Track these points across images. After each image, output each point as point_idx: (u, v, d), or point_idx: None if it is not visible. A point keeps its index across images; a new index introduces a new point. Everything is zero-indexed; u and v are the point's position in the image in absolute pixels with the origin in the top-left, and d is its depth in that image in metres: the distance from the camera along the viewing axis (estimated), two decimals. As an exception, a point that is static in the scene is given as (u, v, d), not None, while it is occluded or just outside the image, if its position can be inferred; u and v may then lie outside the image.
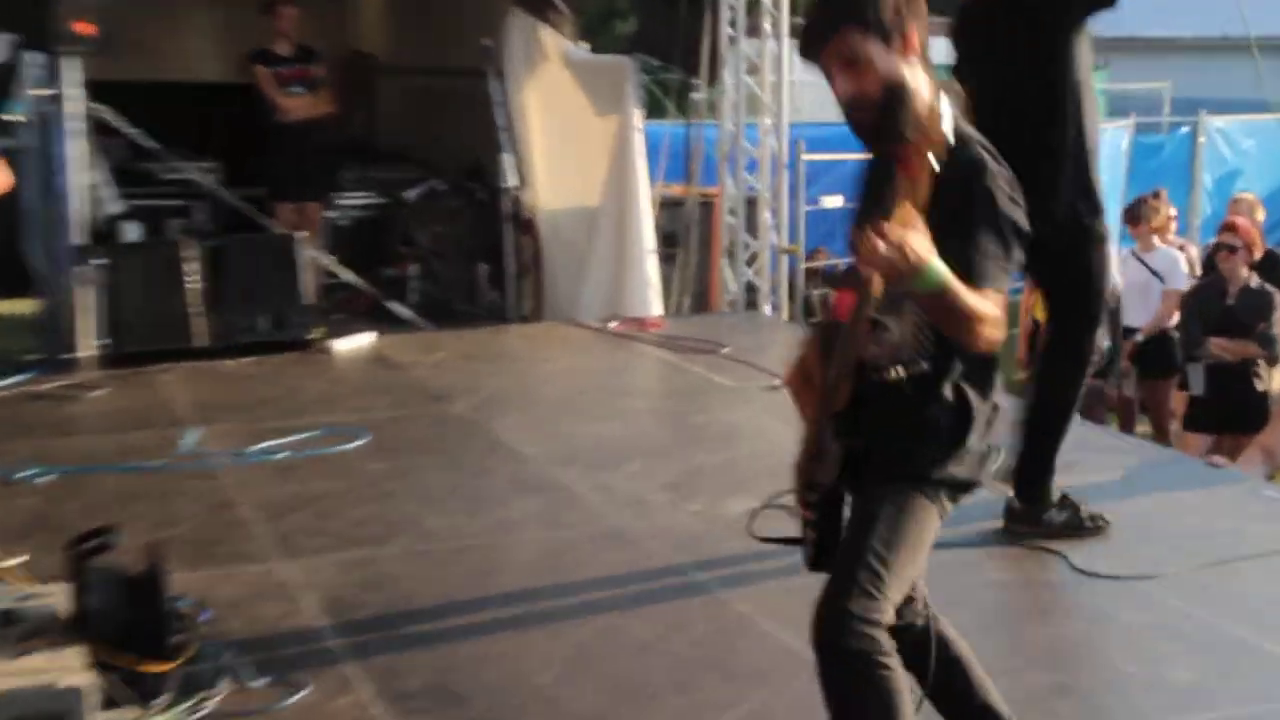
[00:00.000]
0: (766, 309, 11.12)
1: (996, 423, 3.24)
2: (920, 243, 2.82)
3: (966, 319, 2.94)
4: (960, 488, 3.19)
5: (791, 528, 3.29)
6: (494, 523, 5.86)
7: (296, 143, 10.65)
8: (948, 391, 3.14)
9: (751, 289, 11.16)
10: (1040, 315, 10.31)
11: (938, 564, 3.37)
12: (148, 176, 11.49)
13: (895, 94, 2.99)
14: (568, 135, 10.70)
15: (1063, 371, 5.55)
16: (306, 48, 10.90)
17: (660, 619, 4.86)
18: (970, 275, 2.95)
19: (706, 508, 6.02)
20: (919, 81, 3.04)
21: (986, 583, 5.25)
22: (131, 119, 9.69)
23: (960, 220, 2.98)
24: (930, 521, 3.14)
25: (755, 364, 8.56)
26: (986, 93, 5.19)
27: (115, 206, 9.97)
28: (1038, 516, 5.59)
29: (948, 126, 2.99)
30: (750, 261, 11.16)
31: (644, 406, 8.22)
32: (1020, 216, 3.06)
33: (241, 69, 10.90)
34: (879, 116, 3.01)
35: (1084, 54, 5.31)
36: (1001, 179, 3.07)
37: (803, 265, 11.79)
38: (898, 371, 3.10)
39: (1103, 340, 6.00)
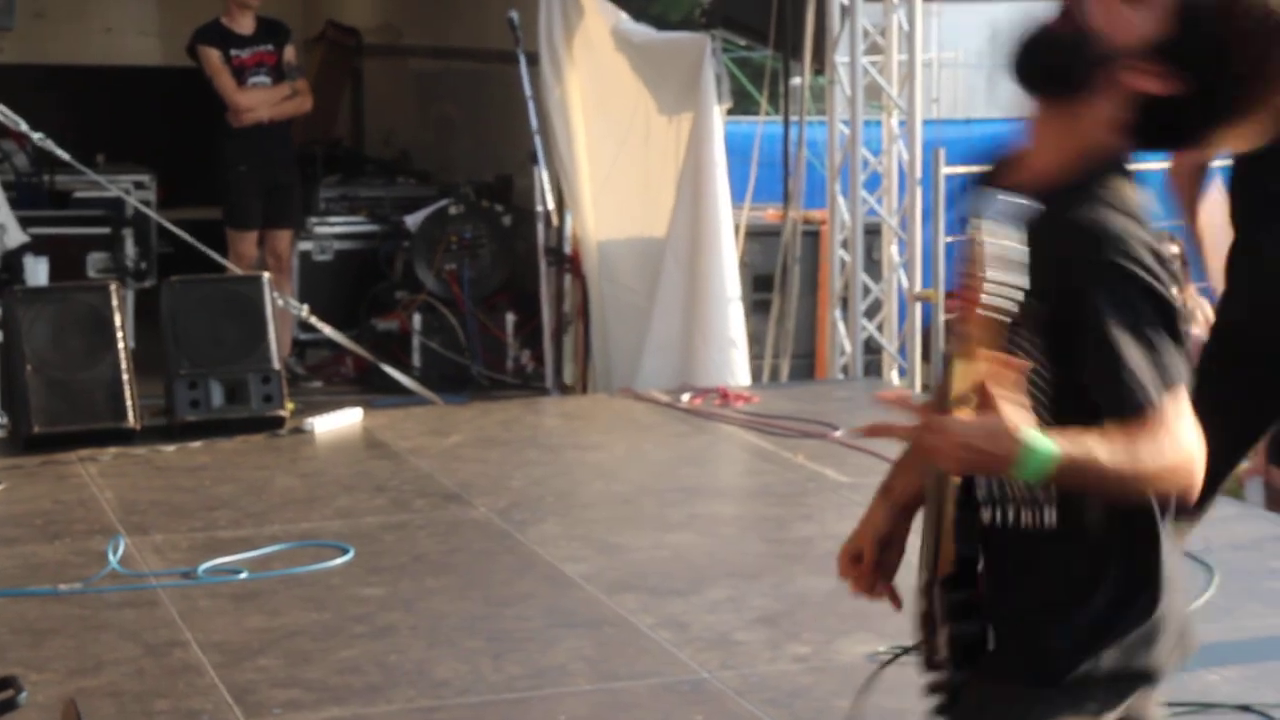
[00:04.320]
0: (893, 375, 11.16)
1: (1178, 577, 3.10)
2: (1001, 424, 2.77)
3: (1118, 484, 2.87)
4: (1131, 683, 3.06)
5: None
6: (527, 670, 5.90)
7: (261, 150, 10.80)
8: (1105, 540, 3.03)
9: (873, 348, 11.20)
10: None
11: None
12: (59, 195, 11.70)
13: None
14: (625, 140, 10.80)
15: None
16: (272, 23, 11.09)
17: (754, 805, 4.91)
18: (1117, 407, 2.87)
19: (815, 651, 6.05)
20: None
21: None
22: (37, 117, 9.86)
23: (1082, 326, 2.90)
24: None
25: (878, 451, 8.60)
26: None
27: (17, 236, 10.13)
28: None
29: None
30: (871, 311, 11.21)
31: (729, 511, 8.25)
32: (1170, 290, 2.93)
33: (186, 51, 11.06)
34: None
35: None
36: (1135, 244, 2.92)
37: (942, 316, 11.82)
38: (1009, 513, 3.04)
39: None
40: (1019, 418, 2.78)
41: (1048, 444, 2.79)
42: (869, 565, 3.29)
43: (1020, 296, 2.77)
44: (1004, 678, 3.06)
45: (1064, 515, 3.00)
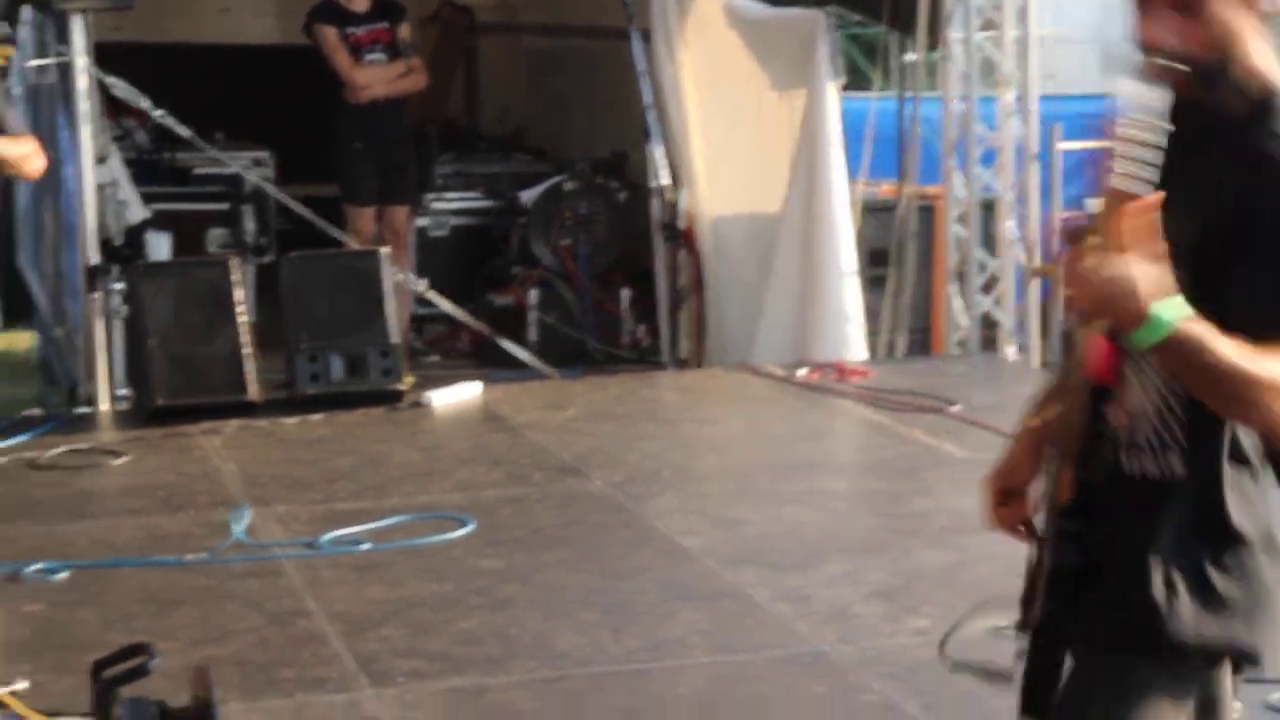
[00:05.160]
0: (1010, 351, 11.10)
1: None
2: (1142, 274, 2.73)
3: (1231, 387, 2.78)
4: (1232, 662, 3.02)
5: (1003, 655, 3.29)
6: (646, 642, 5.92)
7: (377, 127, 10.86)
8: (1222, 501, 2.96)
9: (989, 323, 11.15)
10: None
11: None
12: (179, 171, 11.81)
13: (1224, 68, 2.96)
14: (738, 117, 10.80)
15: None
16: (388, 1, 11.13)
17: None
18: (1257, 317, 2.81)
19: (934, 625, 6.03)
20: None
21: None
22: (156, 95, 9.95)
23: (1248, 230, 2.85)
24: None
25: (995, 426, 8.57)
26: None
27: (139, 212, 10.23)
28: None
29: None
30: (988, 287, 11.16)
31: (845, 486, 8.25)
32: None
33: (302, 29, 11.13)
34: (1200, 89, 2.97)
35: None
36: None
37: (1062, 292, 11.76)
38: (1134, 462, 3.01)
39: None
40: (1155, 278, 2.75)
41: (1175, 308, 2.73)
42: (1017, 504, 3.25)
43: (1154, 174, 2.79)
44: (1099, 639, 3.03)
45: (1191, 465, 2.95)
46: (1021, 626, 3.15)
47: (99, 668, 4.66)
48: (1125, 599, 2.99)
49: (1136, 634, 2.99)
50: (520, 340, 10.59)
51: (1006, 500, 3.26)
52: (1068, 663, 3.09)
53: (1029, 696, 3.10)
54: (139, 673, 4.63)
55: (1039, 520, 3.17)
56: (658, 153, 10.59)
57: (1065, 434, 3.04)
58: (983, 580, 6.40)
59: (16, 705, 5.02)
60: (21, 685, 5.29)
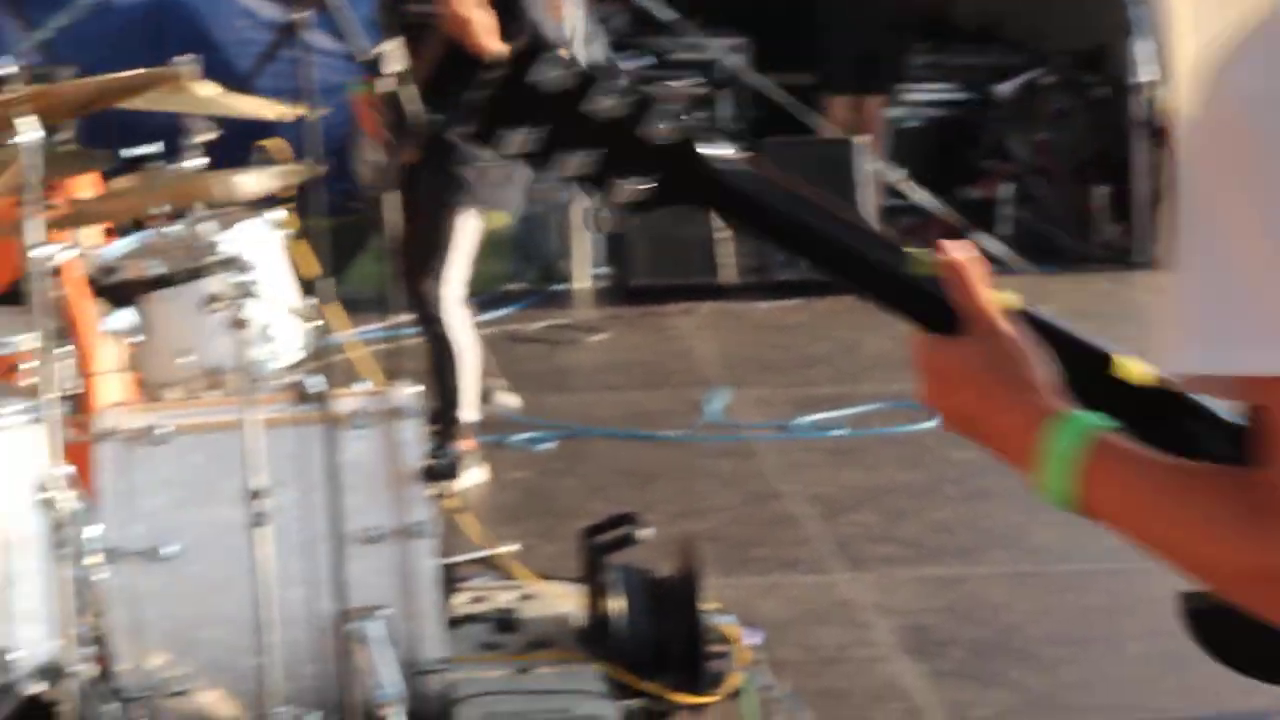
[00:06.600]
0: None
1: None
2: None
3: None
4: None
5: None
6: (1125, 543, 5.84)
7: (856, 16, 10.82)
8: None
9: None
10: None
11: None
12: (657, 55, 11.94)
13: None
14: (1230, 9, 10.50)
15: None
16: None
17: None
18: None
19: None
20: None
21: None
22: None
23: None
24: None
25: None
26: None
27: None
28: None
29: None
30: None
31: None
32: None
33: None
34: None
35: None
36: None
37: None
38: None
39: None
40: None
41: None
42: None
43: None
44: None
45: None
46: None
47: (589, 534, 4.79)
48: None
49: None
50: (993, 233, 10.50)
51: None
52: None
53: None
54: (626, 541, 4.75)
55: None
56: (1143, 47, 10.36)
57: None
58: None
59: (515, 567, 5.20)
60: (514, 547, 5.47)
